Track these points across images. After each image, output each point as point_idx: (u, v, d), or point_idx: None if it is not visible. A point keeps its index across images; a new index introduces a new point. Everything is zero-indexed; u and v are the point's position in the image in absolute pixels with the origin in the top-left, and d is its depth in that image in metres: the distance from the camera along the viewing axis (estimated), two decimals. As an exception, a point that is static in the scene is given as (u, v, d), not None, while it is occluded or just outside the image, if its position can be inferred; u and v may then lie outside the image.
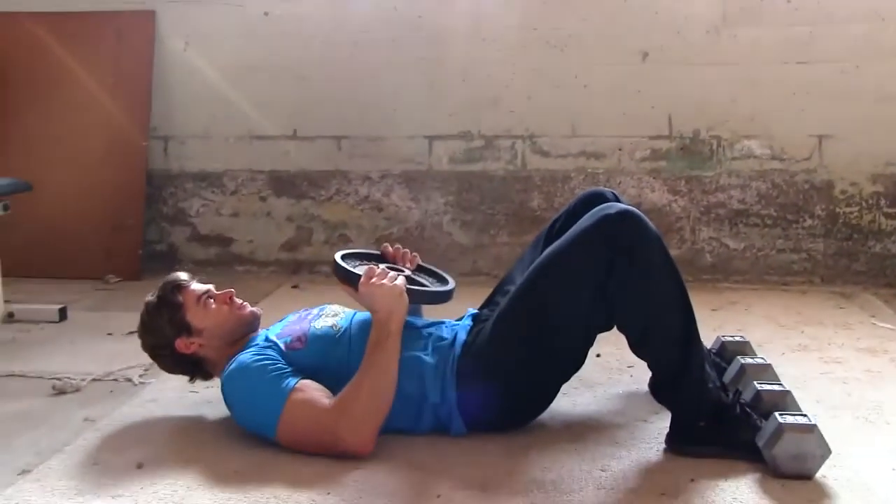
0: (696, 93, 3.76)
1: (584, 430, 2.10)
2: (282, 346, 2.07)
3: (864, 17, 3.63)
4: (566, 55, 3.79)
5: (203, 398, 2.34)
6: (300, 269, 4.04)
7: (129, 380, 2.54)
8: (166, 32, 4.00)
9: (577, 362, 2.07)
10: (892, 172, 3.69)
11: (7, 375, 2.58)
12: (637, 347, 1.99)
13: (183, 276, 2.20)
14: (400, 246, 2.28)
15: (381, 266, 2.09)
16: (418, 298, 2.12)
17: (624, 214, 1.90)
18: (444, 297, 2.18)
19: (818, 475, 1.80)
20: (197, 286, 2.18)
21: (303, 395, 1.94)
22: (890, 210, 3.70)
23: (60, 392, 2.44)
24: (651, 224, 1.91)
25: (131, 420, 2.23)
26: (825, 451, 1.79)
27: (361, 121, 3.93)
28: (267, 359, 2.01)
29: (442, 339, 2.07)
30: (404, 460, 1.92)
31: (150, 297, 2.18)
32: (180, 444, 2.08)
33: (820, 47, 3.66)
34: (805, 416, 1.84)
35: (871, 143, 3.68)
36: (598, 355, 2.54)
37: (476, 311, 2.25)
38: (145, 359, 2.61)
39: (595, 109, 3.82)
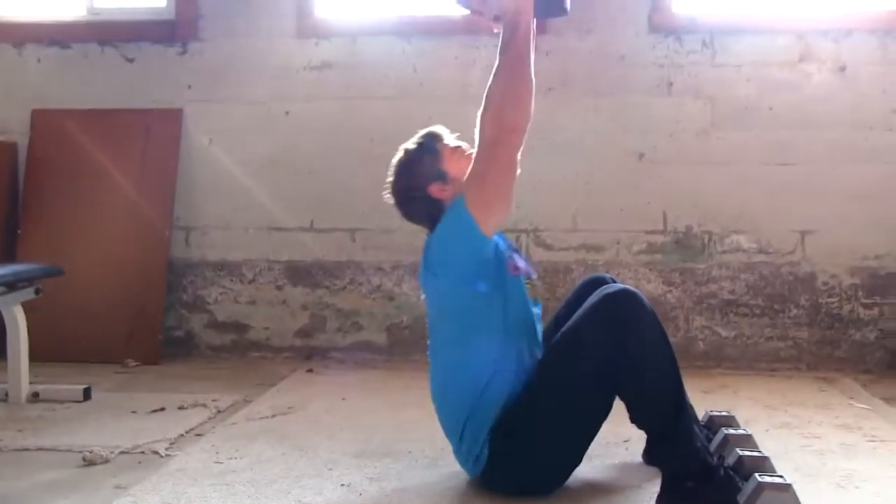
0: (689, 190, 4.01)
1: (583, 494, 2.27)
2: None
3: (835, 124, 3.93)
4: (568, 155, 4.05)
5: (228, 468, 2.47)
6: (314, 354, 4.18)
7: (156, 452, 2.63)
8: (192, 129, 4.25)
9: (592, 432, 2.24)
10: (867, 265, 3.93)
11: (37, 449, 2.68)
12: (633, 412, 2.18)
13: (440, 128, 2.36)
14: None
15: None
16: (541, 1, 2.19)
17: (624, 292, 2.15)
18: (563, 4, 2.27)
19: (790, 530, 1.99)
20: (450, 139, 2.33)
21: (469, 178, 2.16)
22: (867, 301, 3.93)
23: (90, 463, 2.53)
24: (647, 300, 2.16)
25: (161, 487, 2.32)
26: (797, 509, 1.99)
27: (374, 214, 4.12)
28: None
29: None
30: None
31: (409, 144, 2.34)
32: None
33: (799, 150, 3.95)
34: (782, 476, 2.04)
35: (848, 239, 3.94)
36: None
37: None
38: (171, 433, 2.80)
39: (595, 205, 4.06)
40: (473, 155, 2.17)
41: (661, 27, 4.00)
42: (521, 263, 2.29)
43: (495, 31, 2.22)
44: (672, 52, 4.00)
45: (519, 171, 2.22)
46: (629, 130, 4.03)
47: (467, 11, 2.29)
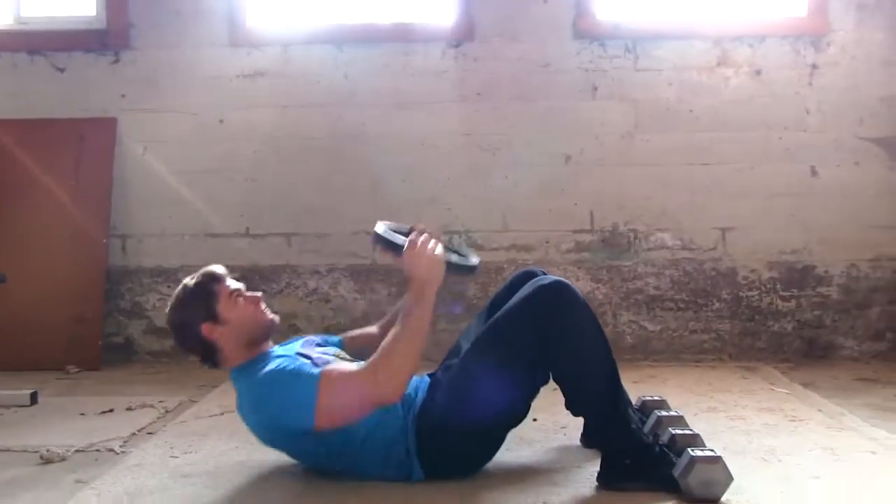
0: (614, 191, 4.17)
1: (526, 475, 2.40)
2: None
3: (753, 126, 4.14)
4: (497, 157, 4.19)
5: (184, 461, 2.55)
6: (251, 357, 4.26)
7: (111, 449, 2.70)
8: (126, 138, 4.28)
9: (522, 412, 2.37)
10: (784, 260, 4.14)
11: (-9, 450, 2.73)
12: (570, 398, 2.32)
13: (220, 269, 2.39)
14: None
15: (423, 236, 2.28)
16: (453, 270, 2.34)
17: (557, 283, 2.27)
18: (472, 271, 2.44)
19: (723, 499, 2.13)
20: (231, 282, 2.38)
21: (334, 371, 2.22)
22: (785, 293, 4.14)
23: (48, 461, 2.58)
24: (579, 291, 2.29)
25: (121, 480, 2.39)
26: (728, 479, 2.13)
27: (310, 219, 4.23)
28: (283, 360, 2.26)
29: (407, 394, 2.33)
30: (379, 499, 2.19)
31: (188, 281, 2.37)
32: (172, 494, 2.28)
33: (718, 151, 4.15)
34: (712, 450, 2.19)
35: (766, 235, 4.14)
36: (534, 419, 2.82)
37: (429, 374, 2.54)
38: (124, 432, 2.86)
39: (524, 206, 4.20)
40: (340, 361, 2.30)
41: (586, 33, 4.16)
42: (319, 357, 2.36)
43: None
44: (596, 57, 4.16)
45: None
46: (556, 134, 4.18)
47: (378, 247, 2.38)
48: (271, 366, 2.27)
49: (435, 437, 2.28)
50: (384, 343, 2.23)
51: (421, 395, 2.37)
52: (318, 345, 2.50)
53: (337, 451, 2.28)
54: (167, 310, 2.40)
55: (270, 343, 2.42)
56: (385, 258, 2.40)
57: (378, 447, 2.28)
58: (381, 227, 2.35)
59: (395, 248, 2.29)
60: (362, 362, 2.26)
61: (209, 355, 2.37)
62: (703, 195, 4.16)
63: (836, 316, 4.13)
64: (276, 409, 2.24)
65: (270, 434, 2.32)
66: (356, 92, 4.22)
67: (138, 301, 4.32)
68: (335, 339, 2.67)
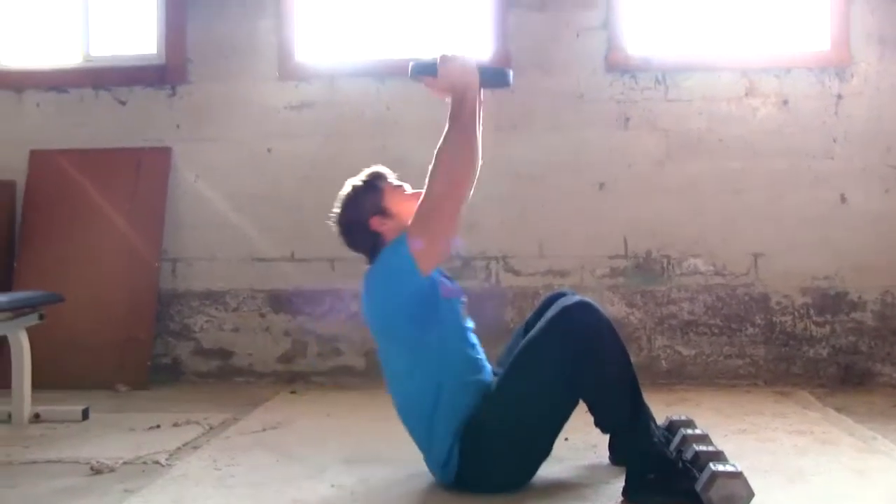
0: (647, 217, 4.27)
1: (555, 489, 2.50)
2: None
3: (781, 153, 4.23)
4: (533, 185, 4.32)
5: (226, 474, 2.70)
6: (296, 379, 4.38)
7: (158, 462, 2.84)
8: (180, 166, 4.49)
9: (555, 433, 2.47)
10: (817, 286, 4.20)
11: (45, 462, 2.88)
12: (596, 413, 2.43)
13: (383, 168, 2.61)
14: None
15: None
16: (488, 77, 2.49)
17: (581, 303, 2.40)
18: (505, 76, 2.54)
19: (746, 513, 2.22)
20: (393, 179, 2.59)
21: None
22: (818, 319, 4.19)
23: (97, 472, 2.73)
24: (602, 310, 2.41)
25: (168, 490, 2.53)
26: (750, 494, 2.22)
27: (353, 244, 4.40)
28: None
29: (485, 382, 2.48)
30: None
31: (355, 181, 2.59)
32: (214, 502, 2.41)
33: (748, 178, 4.24)
34: (734, 465, 2.27)
35: (798, 261, 4.20)
36: (566, 439, 2.88)
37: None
38: (170, 446, 3.01)
39: (560, 232, 4.31)
40: (420, 201, 2.42)
41: (617, 66, 4.29)
42: (451, 286, 2.54)
43: (446, 100, 2.48)
44: (628, 89, 4.29)
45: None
46: (590, 162, 4.31)
47: (421, 83, 2.56)
48: None
49: (477, 442, 2.39)
50: (437, 153, 2.38)
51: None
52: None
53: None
54: (336, 212, 2.59)
55: None
56: (427, 88, 2.53)
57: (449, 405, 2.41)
58: (411, 63, 2.51)
59: (430, 67, 2.45)
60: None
61: (377, 249, 2.52)
62: (735, 222, 4.24)
63: (872, 342, 4.17)
64: (387, 277, 2.43)
65: (392, 310, 2.45)
66: (398, 122, 4.38)
67: (187, 323, 4.49)
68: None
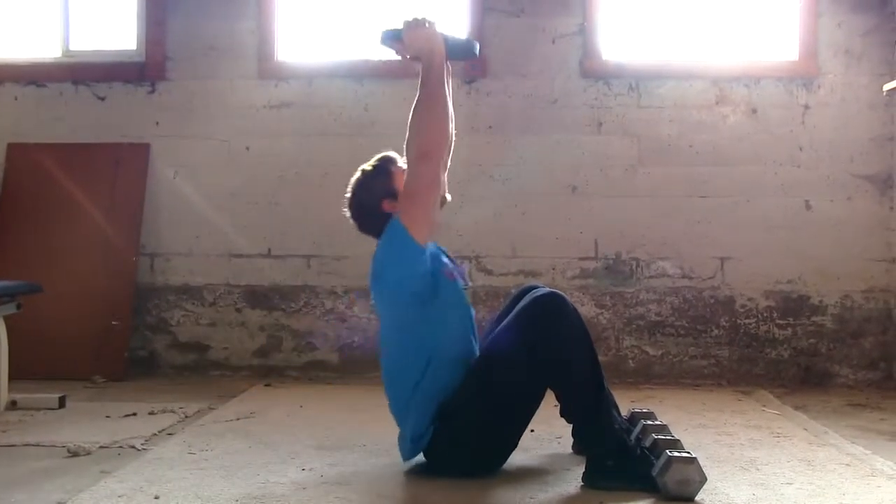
0: (618, 220, 4.38)
1: (518, 475, 2.60)
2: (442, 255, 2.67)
3: (750, 160, 4.36)
4: (507, 187, 4.41)
5: (200, 458, 2.76)
6: (270, 373, 4.44)
7: (133, 446, 2.91)
8: (158, 162, 4.55)
9: (524, 422, 2.57)
10: (780, 289, 4.32)
11: (23, 445, 2.94)
12: (562, 401, 2.52)
13: (393, 153, 2.71)
14: None
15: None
16: (452, 46, 2.64)
17: (550, 294, 2.50)
18: (470, 46, 2.71)
19: (698, 498, 2.32)
20: (402, 163, 2.67)
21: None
22: (781, 321, 4.31)
23: (74, 454, 2.80)
24: (570, 301, 2.50)
25: (142, 471, 2.60)
26: (703, 478, 2.32)
27: (328, 242, 4.45)
28: None
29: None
30: (375, 494, 2.40)
31: (366, 165, 2.69)
32: (188, 483, 2.48)
33: (717, 184, 4.36)
34: (688, 452, 2.38)
35: (762, 265, 4.33)
36: (532, 430, 2.93)
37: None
38: (146, 432, 3.08)
39: (532, 234, 4.41)
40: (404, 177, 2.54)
41: (592, 73, 4.40)
42: (452, 268, 2.65)
43: (416, 69, 2.61)
44: (601, 94, 4.40)
45: (450, 197, 2.70)
46: (563, 166, 4.41)
47: (391, 51, 2.69)
48: None
49: (448, 423, 2.48)
50: (411, 122, 2.53)
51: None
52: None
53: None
54: (347, 196, 2.69)
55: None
56: (396, 53, 2.67)
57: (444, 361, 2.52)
58: (381, 30, 2.64)
59: (397, 35, 2.59)
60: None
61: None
62: (703, 226, 4.36)
63: (831, 345, 4.30)
64: (389, 256, 2.53)
65: (394, 280, 2.54)
66: (376, 122, 4.47)
67: (164, 317, 4.55)
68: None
